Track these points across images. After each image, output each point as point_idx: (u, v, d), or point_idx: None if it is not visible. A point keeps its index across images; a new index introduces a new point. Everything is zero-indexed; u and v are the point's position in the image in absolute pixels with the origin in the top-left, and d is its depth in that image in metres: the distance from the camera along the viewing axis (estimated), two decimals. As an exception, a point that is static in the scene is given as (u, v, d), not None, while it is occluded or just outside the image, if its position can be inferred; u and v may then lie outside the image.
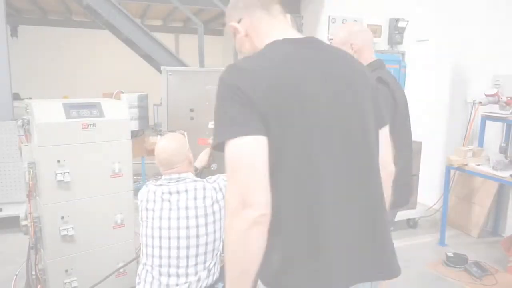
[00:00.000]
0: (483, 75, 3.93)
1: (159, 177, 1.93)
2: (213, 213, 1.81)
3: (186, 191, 1.81)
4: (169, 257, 1.77)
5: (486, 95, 3.52)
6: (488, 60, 3.95)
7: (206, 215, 1.79)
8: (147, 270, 1.82)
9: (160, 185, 1.86)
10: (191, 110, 2.60)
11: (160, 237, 1.79)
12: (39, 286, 2.43)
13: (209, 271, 1.81)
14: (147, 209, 1.85)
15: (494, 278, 3.07)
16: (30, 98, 4.21)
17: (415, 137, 4.18)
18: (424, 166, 4.07)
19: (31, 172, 2.30)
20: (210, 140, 2.40)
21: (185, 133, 2.05)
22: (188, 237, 1.76)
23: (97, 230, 2.48)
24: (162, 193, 1.83)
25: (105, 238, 2.51)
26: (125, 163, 2.54)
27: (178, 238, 1.76)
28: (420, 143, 3.99)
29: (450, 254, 3.30)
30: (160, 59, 5.06)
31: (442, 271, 3.22)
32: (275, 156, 0.98)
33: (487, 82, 3.80)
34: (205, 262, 1.80)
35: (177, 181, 1.85)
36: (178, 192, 1.81)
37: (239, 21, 1.20)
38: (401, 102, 1.99)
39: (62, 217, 2.35)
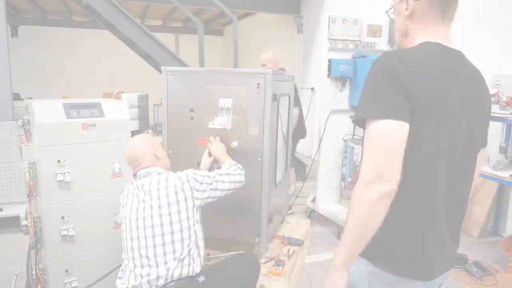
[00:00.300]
0: (483, 75, 3.93)
1: None
2: (177, 202, 1.85)
3: (150, 183, 1.88)
4: (139, 247, 1.83)
5: (486, 95, 3.52)
6: (488, 60, 3.95)
7: (169, 204, 1.83)
8: (126, 265, 1.89)
9: (132, 183, 1.98)
10: (191, 110, 2.60)
11: (131, 229, 1.86)
12: (39, 286, 2.43)
13: (180, 261, 1.82)
14: (122, 206, 1.97)
15: (494, 278, 3.07)
16: (30, 98, 4.21)
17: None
18: (424, 166, 4.07)
19: (31, 172, 2.30)
20: (211, 139, 2.40)
21: (150, 131, 2.18)
22: (152, 227, 1.81)
23: (97, 230, 2.48)
24: (132, 189, 1.95)
25: (105, 238, 2.51)
26: (125, 163, 2.53)
27: (144, 228, 1.82)
28: (420, 143, 3.99)
29: (450, 254, 3.30)
30: (160, 59, 5.07)
31: (442, 271, 3.22)
32: (409, 141, 1.07)
33: (487, 82, 3.79)
34: (174, 251, 1.82)
35: (145, 176, 1.95)
36: (143, 185, 1.90)
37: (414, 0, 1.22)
38: None
39: (62, 217, 2.35)
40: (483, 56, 4.01)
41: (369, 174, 1.05)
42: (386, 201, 1.05)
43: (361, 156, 1.15)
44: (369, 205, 1.05)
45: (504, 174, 3.19)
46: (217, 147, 2.35)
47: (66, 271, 2.40)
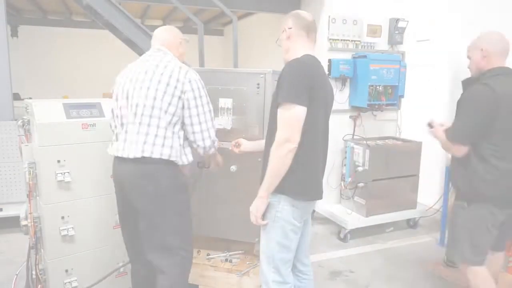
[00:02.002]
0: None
1: None
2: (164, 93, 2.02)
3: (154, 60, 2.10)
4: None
5: (486, 95, 3.51)
6: (488, 60, 3.95)
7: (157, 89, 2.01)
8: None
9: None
10: (191, 110, 2.58)
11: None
12: (39, 286, 2.43)
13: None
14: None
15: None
16: (30, 98, 4.21)
17: (415, 137, 4.20)
18: (424, 166, 4.07)
19: (31, 172, 2.30)
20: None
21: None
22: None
23: (97, 230, 2.48)
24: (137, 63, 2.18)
25: (105, 238, 2.51)
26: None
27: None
28: (420, 143, 3.99)
29: (450, 254, 3.30)
30: (160, 59, 5.04)
31: (442, 271, 3.22)
32: (307, 118, 1.78)
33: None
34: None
35: (156, 51, 2.18)
36: (147, 60, 2.14)
37: (289, 28, 1.94)
38: None
39: (62, 217, 2.35)
40: (483, 56, 4.02)
41: (281, 138, 1.75)
42: (290, 155, 1.75)
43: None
44: (281, 157, 1.75)
45: (504, 174, 3.18)
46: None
47: (66, 271, 2.40)
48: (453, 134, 2.20)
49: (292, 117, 1.74)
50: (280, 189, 1.82)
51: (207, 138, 2.06)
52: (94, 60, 10.02)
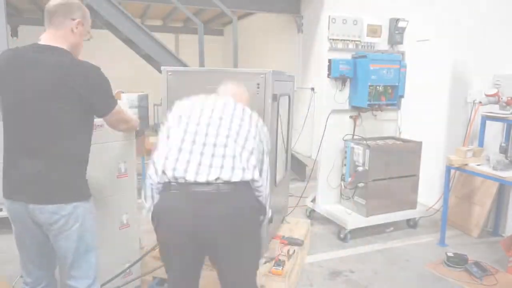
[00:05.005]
0: (483, 75, 3.94)
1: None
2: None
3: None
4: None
5: (486, 95, 3.52)
6: (488, 60, 3.96)
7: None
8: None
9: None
10: (191, 110, 2.58)
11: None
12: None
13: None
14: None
15: (494, 278, 3.07)
16: (30, 98, 4.20)
17: (415, 137, 4.20)
18: (424, 166, 4.07)
19: (32, 172, 2.29)
20: None
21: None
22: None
23: (102, 230, 2.47)
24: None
25: (111, 239, 2.50)
26: (130, 163, 2.54)
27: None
28: (420, 143, 3.99)
29: (450, 254, 3.31)
30: (160, 59, 5.07)
31: (442, 271, 3.22)
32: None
33: (487, 82, 3.80)
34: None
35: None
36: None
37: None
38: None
39: (63, 217, 2.34)
40: (483, 56, 4.03)
41: None
42: None
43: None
44: None
45: (504, 174, 3.19)
46: None
47: (66, 271, 2.39)
48: None
49: None
50: None
51: None
52: (94, 60, 9.99)
